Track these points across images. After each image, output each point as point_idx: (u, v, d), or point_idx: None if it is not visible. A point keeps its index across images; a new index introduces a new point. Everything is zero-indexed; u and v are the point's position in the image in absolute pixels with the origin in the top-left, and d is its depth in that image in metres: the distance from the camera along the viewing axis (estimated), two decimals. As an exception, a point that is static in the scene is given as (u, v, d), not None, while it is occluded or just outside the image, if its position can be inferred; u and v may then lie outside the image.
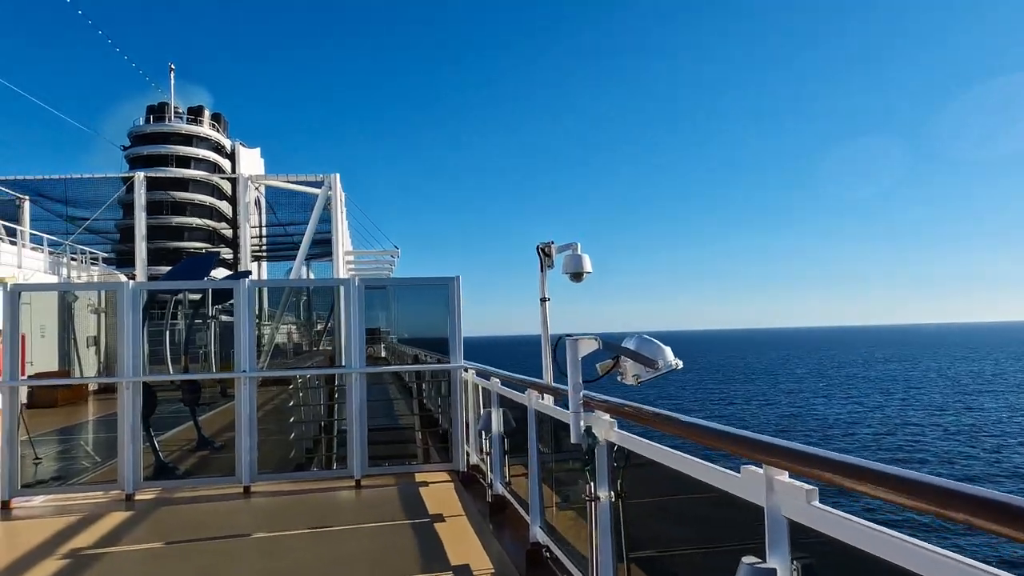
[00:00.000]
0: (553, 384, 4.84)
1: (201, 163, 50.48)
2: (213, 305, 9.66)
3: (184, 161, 49.91)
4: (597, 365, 3.45)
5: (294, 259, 27.15)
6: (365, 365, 7.53)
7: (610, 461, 3.35)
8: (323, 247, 35.80)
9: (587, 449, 3.32)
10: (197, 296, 11.09)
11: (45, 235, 19.93)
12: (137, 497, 7.07)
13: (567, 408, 3.39)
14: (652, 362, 3.18)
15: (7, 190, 21.94)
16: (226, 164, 52.93)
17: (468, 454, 7.73)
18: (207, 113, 54.51)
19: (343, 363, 8.58)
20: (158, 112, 52.07)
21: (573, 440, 3.38)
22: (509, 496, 5.97)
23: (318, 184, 22.53)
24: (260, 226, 38.73)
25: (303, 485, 7.41)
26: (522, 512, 5.41)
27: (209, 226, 49.69)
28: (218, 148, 53.55)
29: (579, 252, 5.07)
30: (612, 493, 3.34)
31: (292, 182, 22.33)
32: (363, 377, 7.52)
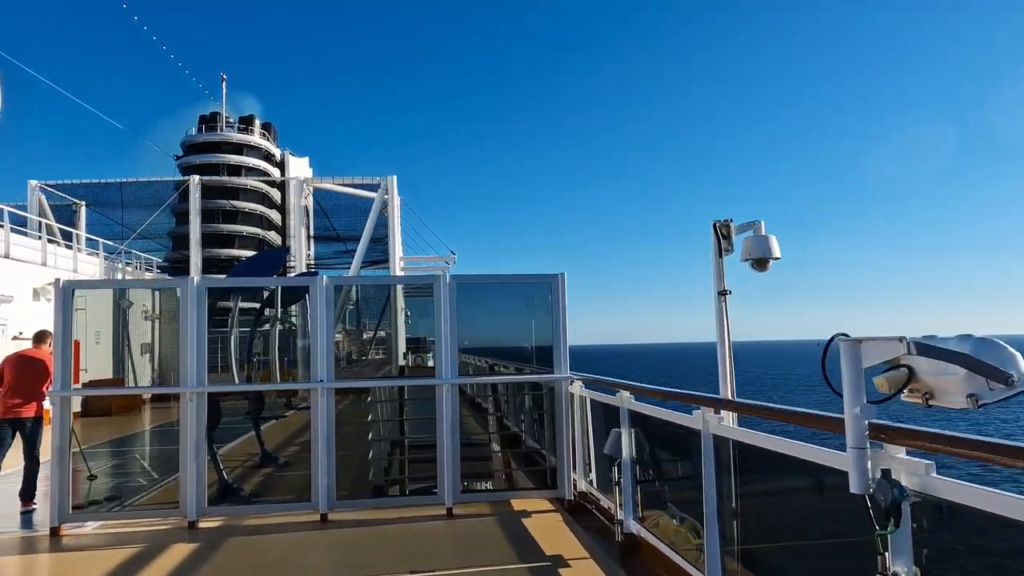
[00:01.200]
0: (739, 400, 3.74)
1: (252, 172, 50.66)
2: (283, 307, 8.78)
3: (235, 170, 50.13)
4: (876, 379, 2.36)
5: (345, 267, 26.46)
6: (457, 375, 6.53)
7: (918, 522, 2.25)
8: (373, 253, 35.23)
9: (889, 504, 2.22)
10: (256, 303, 10.29)
11: (101, 240, 19.56)
12: (201, 524, 6.17)
13: (774, 436, 2.29)
14: (1001, 375, 2.07)
15: (64, 195, 21.72)
16: (276, 173, 53.03)
17: (575, 480, 6.66)
18: (257, 123, 54.86)
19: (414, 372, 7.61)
20: (210, 122, 52.54)
21: (855, 489, 2.30)
22: (650, 538, 4.87)
23: (373, 187, 21.82)
24: (310, 237, 38.46)
25: (387, 513, 6.42)
26: (680, 562, 4.30)
27: (259, 234, 49.82)
28: (268, 157, 53.76)
29: (763, 232, 3.95)
30: (918, 571, 2.24)
31: (347, 185, 21.65)
32: (455, 390, 6.52)
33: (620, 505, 5.18)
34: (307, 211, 41.32)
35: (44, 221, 17.78)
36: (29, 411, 7.06)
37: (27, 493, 6.93)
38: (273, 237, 51.99)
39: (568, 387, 6.66)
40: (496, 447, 8.85)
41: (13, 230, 15.13)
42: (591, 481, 6.54)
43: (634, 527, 5.09)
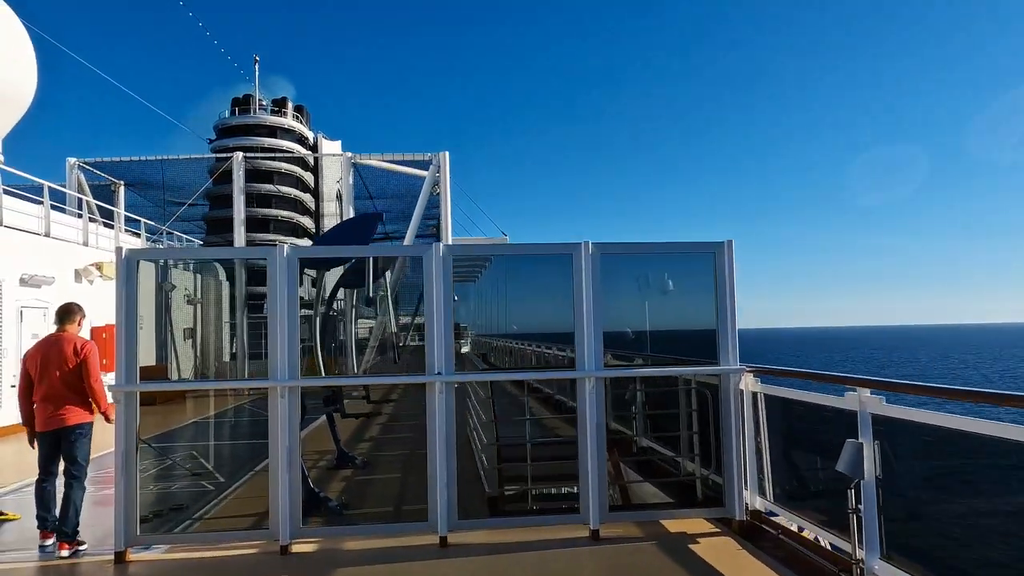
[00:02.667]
0: None
1: (286, 155, 49.70)
2: (374, 281, 7.53)
3: (269, 153, 49.24)
4: None
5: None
6: (602, 367, 5.29)
7: None
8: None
9: None
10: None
11: (143, 220, 18.64)
12: (294, 548, 5.03)
13: None
14: None
15: (103, 174, 20.83)
16: (309, 157, 52.09)
17: (746, 496, 5.40)
18: (290, 105, 53.90)
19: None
20: (243, 104, 51.69)
21: None
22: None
23: (423, 164, 20.65)
24: (340, 218, 37.44)
25: (516, 535, 5.23)
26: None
27: (293, 219, 48.96)
28: (302, 140, 52.86)
29: None
30: None
31: (395, 162, 20.50)
32: (601, 384, 5.29)
33: (860, 541, 3.91)
34: (339, 197, 40.49)
35: (86, 199, 16.84)
36: (74, 416, 5.25)
37: (66, 528, 5.09)
38: (307, 222, 51.19)
39: (738, 382, 5.38)
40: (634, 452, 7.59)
41: (52, 207, 14.18)
42: (768, 497, 5.28)
43: (880, 568, 3.83)
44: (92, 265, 14.56)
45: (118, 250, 5.08)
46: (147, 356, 18.15)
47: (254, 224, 44.51)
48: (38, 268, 12.79)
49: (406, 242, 21.49)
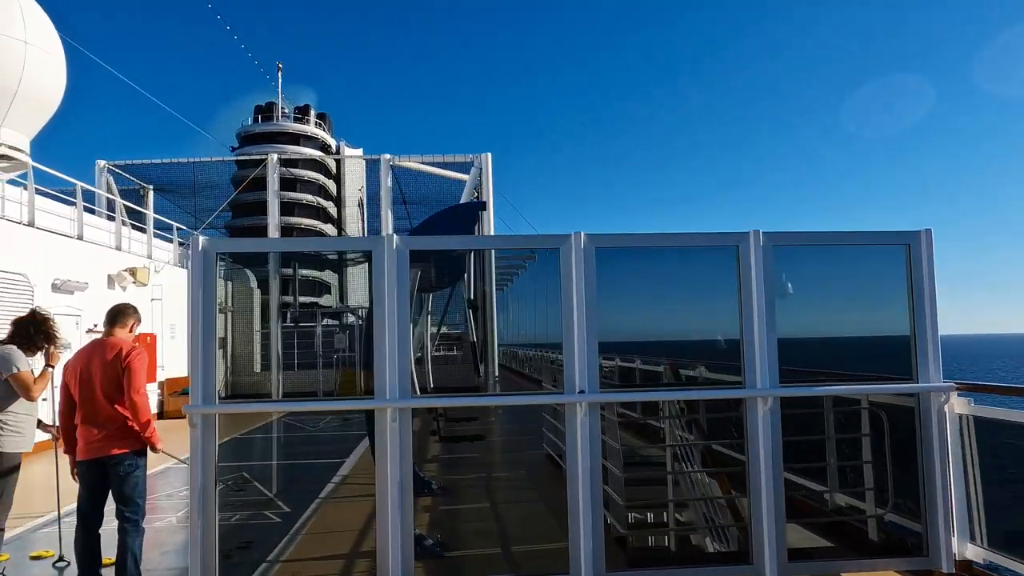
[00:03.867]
0: None
1: (308, 163, 49.19)
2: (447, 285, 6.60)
3: (292, 161, 48.73)
4: None
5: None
6: (778, 384, 4.34)
7: None
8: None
9: None
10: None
11: (176, 224, 17.91)
12: (407, 606, 4.09)
13: None
14: None
15: (132, 178, 20.14)
16: (331, 164, 51.59)
17: (953, 544, 4.40)
18: (313, 112, 53.49)
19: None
20: (266, 111, 51.31)
21: None
22: None
23: (463, 167, 19.79)
24: (363, 232, 36.65)
25: (673, 590, 4.27)
26: None
27: (316, 227, 48.43)
28: (324, 148, 52.41)
29: None
30: None
31: (435, 164, 19.65)
32: (778, 404, 4.33)
33: None
34: (361, 206, 39.69)
35: (119, 201, 16.11)
36: (123, 442, 4.26)
37: None
38: (329, 230, 50.62)
39: (943, 403, 4.40)
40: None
41: (84, 209, 13.42)
42: (981, 543, 4.29)
43: None
44: (126, 271, 13.77)
45: (193, 240, 4.19)
46: (179, 366, 17.37)
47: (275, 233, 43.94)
48: (70, 273, 12.00)
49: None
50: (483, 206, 6.20)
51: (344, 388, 19.93)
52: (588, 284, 4.23)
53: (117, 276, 13.60)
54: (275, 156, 20.97)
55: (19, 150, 12.26)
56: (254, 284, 21.72)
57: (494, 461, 8.57)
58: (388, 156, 19.30)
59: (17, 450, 4.77)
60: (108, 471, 4.30)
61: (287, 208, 47.24)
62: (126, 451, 4.29)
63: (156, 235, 16.95)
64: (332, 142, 53.15)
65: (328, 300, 45.03)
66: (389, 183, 19.21)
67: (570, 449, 4.18)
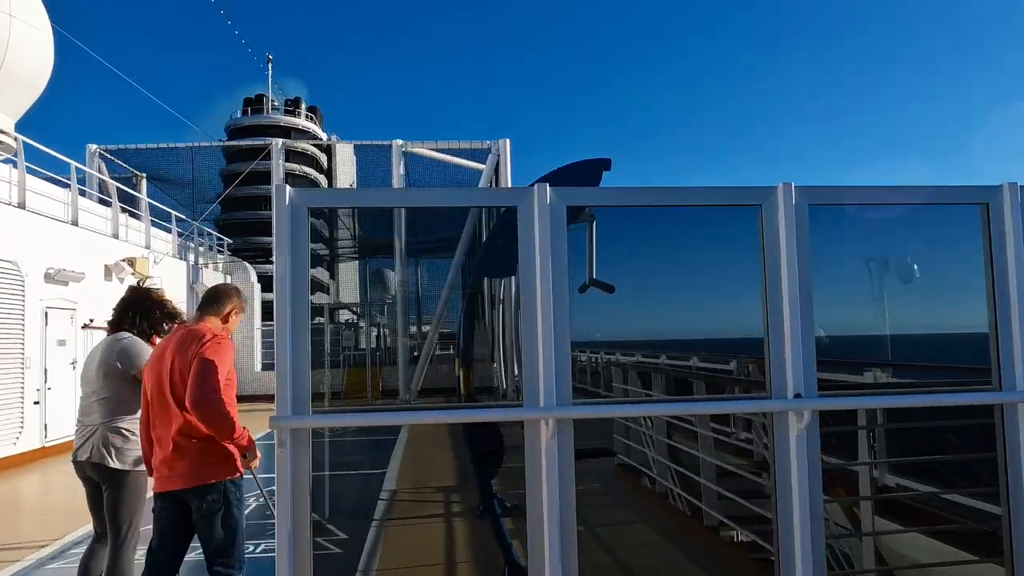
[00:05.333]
0: None
1: (300, 157, 47.84)
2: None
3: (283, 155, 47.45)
4: None
5: (443, 257, 23.20)
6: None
7: None
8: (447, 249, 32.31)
9: None
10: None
11: (175, 213, 16.69)
12: None
13: None
14: None
15: (124, 165, 18.85)
16: (323, 158, 50.26)
17: None
18: (303, 106, 52.13)
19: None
20: (255, 104, 49.86)
21: None
22: None
23: (478, 154, 18.72)
24: (354, 228, 35.43)
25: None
26: None
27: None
28: (315, 142, 51.08)
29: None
30: None
31: (450, 151, 18.53)
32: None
33: None
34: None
35: (116, 185, 14.87)
36: (204, 471, 3.09)
37: None
38: (320, 225, 49.29)
39: None
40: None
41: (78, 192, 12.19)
42: None
43: None
44: (124, 260, 12.56)
45: (278, 188, 3.08)
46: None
47: (266, 228, 42.60)
48: (64, 262, 10.79)
49: (457, 254, 19.46)
50: (607, 164, 5.29)
51: (351, 388, 18.83)
52: (800, 253, 3.18)
53: (115, 266, 12.39)
54: (280, 141, 19.79)
55: (4, 132, 11.04)
56: (254, 278, 20.48)
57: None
58: (400, 142, 18.17)
59: (143, 467, 3.52)
60: (189, 507, 3.13)
61: (278, 203, 46.07)
62: (209, 482, 3.10)
63: (153, 223, 15.72)
64: (323, 136, 51.81)
65: (322, 298, 43.69)
66: (401, 171, 18.06)
67: (779, 468, 3.13)
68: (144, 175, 19.35)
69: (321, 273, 46.81)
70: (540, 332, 3.12)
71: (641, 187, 3.43)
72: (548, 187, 3.23)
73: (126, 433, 3.51)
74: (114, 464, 3.45)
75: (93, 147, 17.52)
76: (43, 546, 5.54)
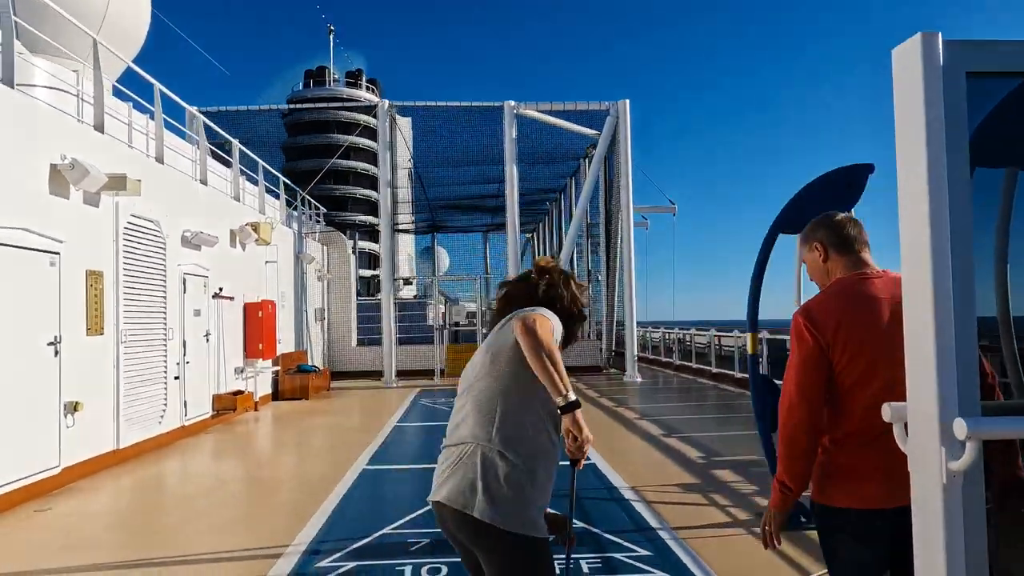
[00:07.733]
0: None
1: (362, 129, 46.89)
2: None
3: (345, 127, 46.50)
4: None
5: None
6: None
7: None
8: (531, 211, 30.75)
9: None
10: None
11: (283, 178, 15.76)
12: None
13: None
14: None
15: (219, 129, 17.94)
16: (386, 132, 49.23)
17: None
18: (364, 78, 51.12)
19: None
20: (317, 76, 48.99)
21: None
22: None
23: (596, 116, 17.40)
24: (410, 201, 34.29)
25: None
26: None
27: (371, 198, 46.26)
28: (376, 115, 50.17)
29: None
30: None
31: (564, 113, 17.23)
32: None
33: None
34: (411, 176, 37.44)
35: (236, 144, 13.92)
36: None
37: None
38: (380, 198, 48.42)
39: None
40: None
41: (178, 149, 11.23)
42: None
43: None
44: (248, 224, 11.60)
45: (928, 40, 1.80)
46: (288, 339, 15.34)
47: (331, 203, 41.88)
48: (198, 224, 9.83)
49: (572, 228, 18.18)
50: (871, 168, 4.32)
51: (453, 368, 17.77)
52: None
53: (240, 231, 11.43)
54: (386, 103, 18.76)
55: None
56: (351, 249, 19.52)
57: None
58: (513, 103, 16.92)
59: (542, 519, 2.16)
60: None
61: (341, 176, 45.22)
62: None
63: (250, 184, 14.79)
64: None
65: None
66: (514, 134, 16.81)
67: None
68: (236, 140, 18.42)
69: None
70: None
71: None
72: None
73: None
74: None
75: (193, 108, 16.60)
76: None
